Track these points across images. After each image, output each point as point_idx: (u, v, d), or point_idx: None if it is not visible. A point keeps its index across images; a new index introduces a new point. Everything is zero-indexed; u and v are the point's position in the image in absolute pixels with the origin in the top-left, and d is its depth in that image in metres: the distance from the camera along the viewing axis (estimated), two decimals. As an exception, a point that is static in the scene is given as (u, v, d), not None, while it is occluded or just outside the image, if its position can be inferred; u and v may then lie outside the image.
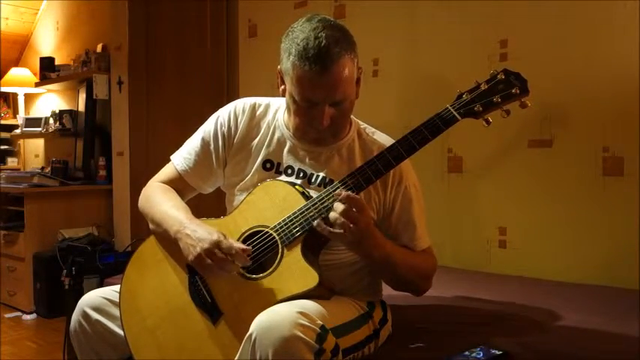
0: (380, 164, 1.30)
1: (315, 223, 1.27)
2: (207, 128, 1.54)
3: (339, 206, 1.24)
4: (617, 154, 2.12)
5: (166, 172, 1.57)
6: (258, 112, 1.52)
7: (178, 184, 1.54)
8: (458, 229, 2.50)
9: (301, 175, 1.44)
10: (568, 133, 2.23)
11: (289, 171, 1.45)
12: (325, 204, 1.30)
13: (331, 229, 1.25)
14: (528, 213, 2.34)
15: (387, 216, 1.44)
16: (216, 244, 1.26)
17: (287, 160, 1.46)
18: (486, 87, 1.26)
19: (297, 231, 1.30)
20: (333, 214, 1.25)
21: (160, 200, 1.47)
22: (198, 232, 1.30)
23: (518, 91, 1.23)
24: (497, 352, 1.29)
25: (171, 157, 1.57)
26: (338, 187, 1.30)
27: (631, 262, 2.04)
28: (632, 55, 2.05)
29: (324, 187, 1.39)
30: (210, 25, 3.54)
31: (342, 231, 1.23)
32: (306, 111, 1.34)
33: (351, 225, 1.22)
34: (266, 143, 1.48)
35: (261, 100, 1.54)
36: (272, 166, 1.47)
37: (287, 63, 1.32)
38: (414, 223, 1.45)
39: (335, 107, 1.34)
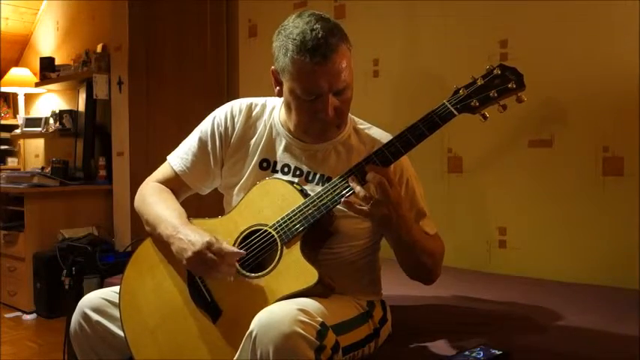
0: (378, 161, 1.29)
1: (346, 193, 1.27)
2: (203, 128, 1.54)
3: (373, 177, 1.24)
4: (617, 154, 2.12)
5: (163, 171, 1.57)
6: (254, 112, 1.52)
7: (175, 183, 1.54)
8: (458, 229, 2.50)
9: (298, 173, 1.44)
10: (568, 133, 2.23)
11: (286, 169, 1.45)
12: (324, 201, 1.30)
13: (361, 209, 1.26)
14: (528, 213, 2.34)
15: None
16: (207, 246, 1.27)
17: (283, 158, 1.46)
18: (483, 82, 1.26)
19: (297, 228, 1.30)
20: (361, 191, 1.25)
21: (155, 201, 1.47)
22: (190, 236, 1.31)
23: (514, 86, 1.24)
24: (497, 352, 1.29)
25: (168, 158, 1.57)
26: (336, 185, 1.30)
27: (631, 262, 2.04)
28: (632, 55, 2.05)
29: (322, 185, 1.39)
30: (210, 25, 3.53)
31: (366, 208, 1.24)
32: (309, 105, 1.34)
33: (382, 206, 1.23)
34: (263, 143, 1.48)
35: (258, 100, 1.55)
36: (268, 166, 1.47)
37: (284, 60, 1.32)
38: (422, 211, 1.46)
39: (337, 97, 1.34)
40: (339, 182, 1.31)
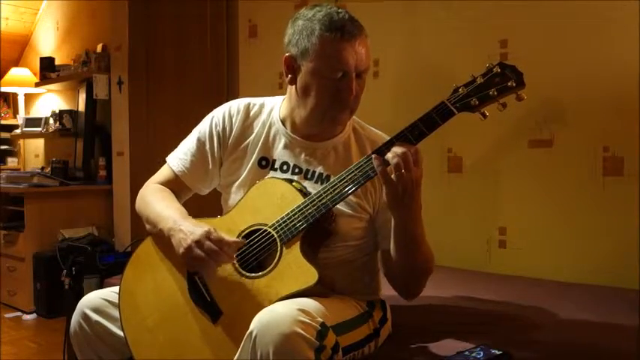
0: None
1: (373, 156, 1.26)
2: (202, 128, 1.55)
3: (398, 149, 1.23)
4: (617, 154, 2.12)
5: (163, 173, 1.57)
6: (252, 112, 1.53)
7: (174, 184, 1.54)
8: (458, 229, 2.50)
9: (297, 171, 1.45)
10: (568, 133, 2.23)
11: (285, 167, 1.46)
12: (323, 200, 1.30)
13: (386, 171, 1.23)
14: (528, 213, 2.34)
15: (384, 209, 1.41)
16: (207, 235, 1.27)
17: (282, 156, 1.47)
18: (482, 80, 1.26)
19: (297, 227, 1.30)
20: (390, 154, 1.23)
21: (155, 200, 1.47)
22: (190, 228, 1.31)
23: (514, 84, 1.24)
24: (497, 352, 1.28)
25: (167, 159, 1.58)
26: (335, 183, 1.30)
27: (631, 262, 2.03)
28: (632, 55, 2.05)
29: (321, 183, 1.39)
30: (210, 25, 3.54)
31: (393, 177, 1.22)
32: (333, 84, 1.35)
33: (404, 171, 1.21)
34: (261, 141, 1.49)
35: (256, 100, 1.55)
36: (267, 164, 1.47)
37: (309, 40, 1.34)
38: None
39: (358, 79, 1.38)
40: (339, 181, 1.30)
